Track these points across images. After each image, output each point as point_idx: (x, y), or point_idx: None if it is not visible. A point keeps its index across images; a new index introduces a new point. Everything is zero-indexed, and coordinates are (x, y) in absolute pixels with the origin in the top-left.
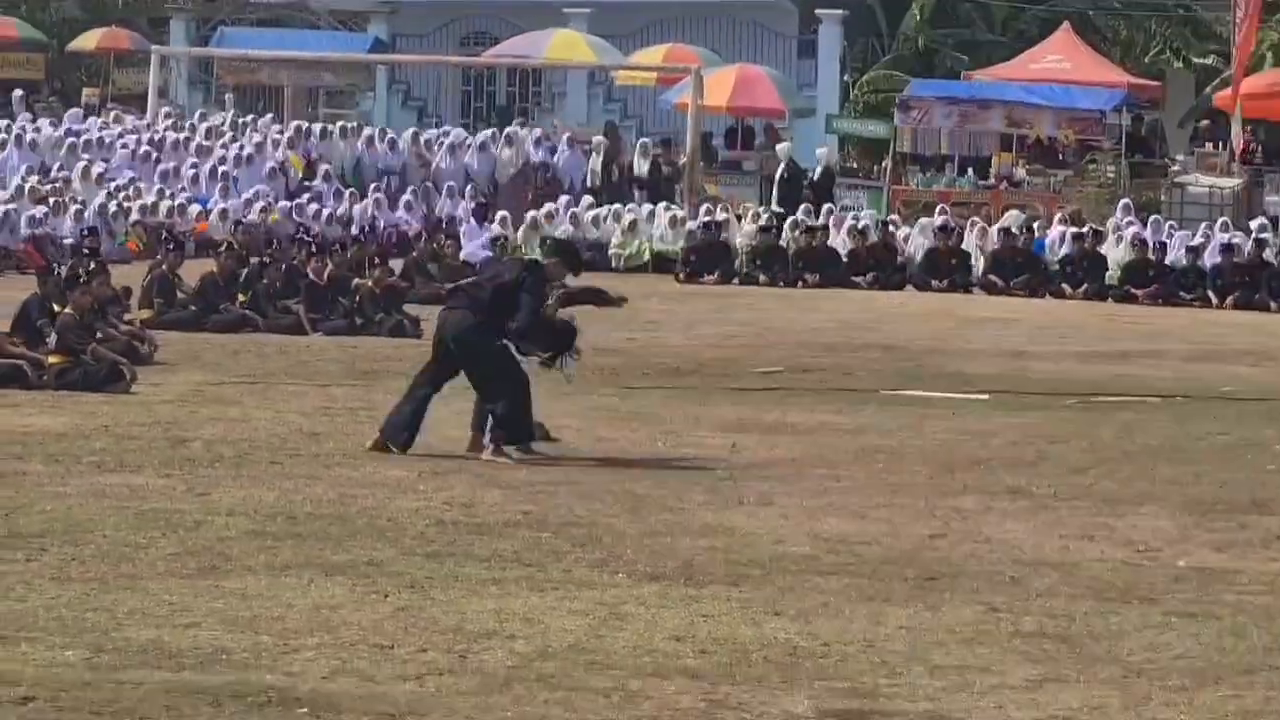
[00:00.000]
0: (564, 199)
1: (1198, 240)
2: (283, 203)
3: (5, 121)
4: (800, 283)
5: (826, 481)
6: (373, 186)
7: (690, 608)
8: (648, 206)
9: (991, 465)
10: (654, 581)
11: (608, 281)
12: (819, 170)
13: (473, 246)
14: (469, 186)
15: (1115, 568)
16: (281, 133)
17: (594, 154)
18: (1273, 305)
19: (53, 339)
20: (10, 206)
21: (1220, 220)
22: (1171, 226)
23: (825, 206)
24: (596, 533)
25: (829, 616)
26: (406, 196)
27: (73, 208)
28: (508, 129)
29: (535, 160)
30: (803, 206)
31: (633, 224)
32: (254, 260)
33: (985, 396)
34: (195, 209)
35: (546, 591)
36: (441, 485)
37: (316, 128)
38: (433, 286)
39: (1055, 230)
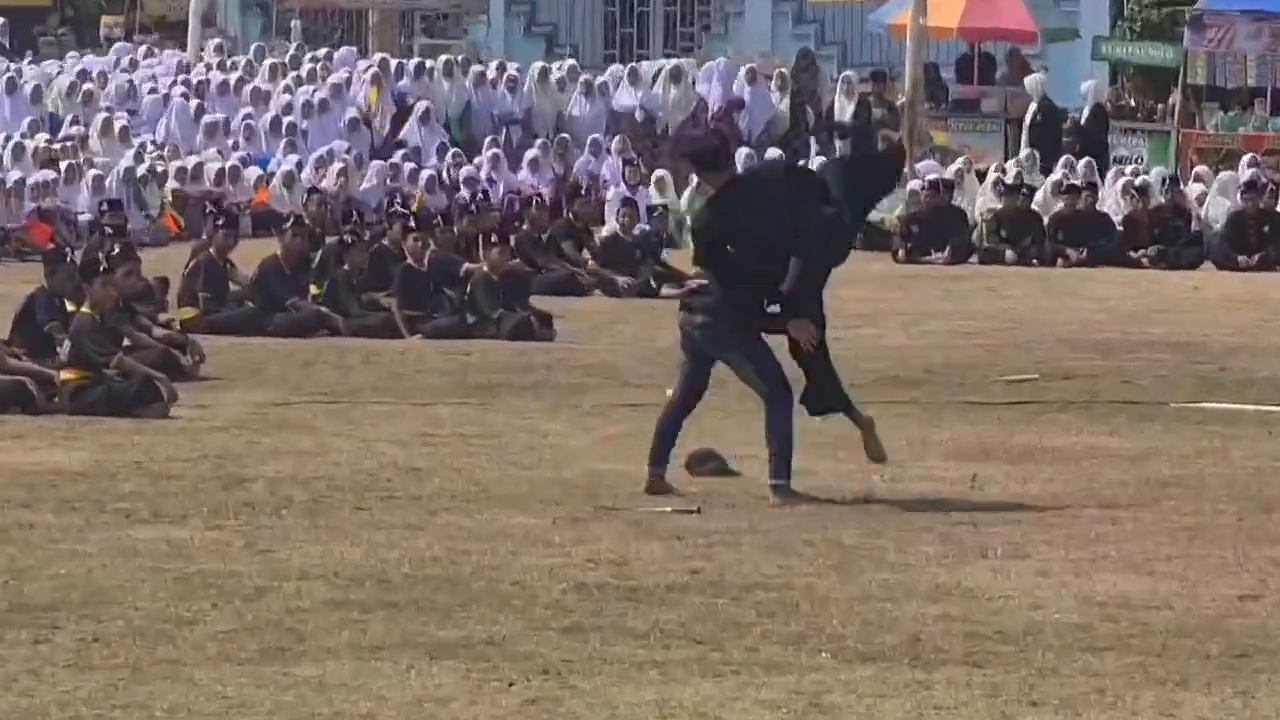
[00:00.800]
0: (743, 152)
1: None
2: (375, 162)
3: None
4: (1060, 260)
5: (1100, 526)
6: (488, 140)
7: (918, 696)
8: None
9: None
10: (869, 662)
11: None
12: (1085, 111)
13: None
14: (615, 139)
15: None
16: (367, 70)
17: (782, 92)
18: None
19: (65, 347)
20: (9, 174)
21: None
22: None
23: (1087, 160)
24: (791, 598)
25: (1104, 707)
26: (533, 152)
27: (90, 174)
28: (673, 61)
29: (711, 101)
30: (1063, 159)
31: None
32: (330, 240)
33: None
34: (253, 173)
35: (725, 677)
36: (583, 536)
37: (411, 64)
38: (568, 270)
39: None
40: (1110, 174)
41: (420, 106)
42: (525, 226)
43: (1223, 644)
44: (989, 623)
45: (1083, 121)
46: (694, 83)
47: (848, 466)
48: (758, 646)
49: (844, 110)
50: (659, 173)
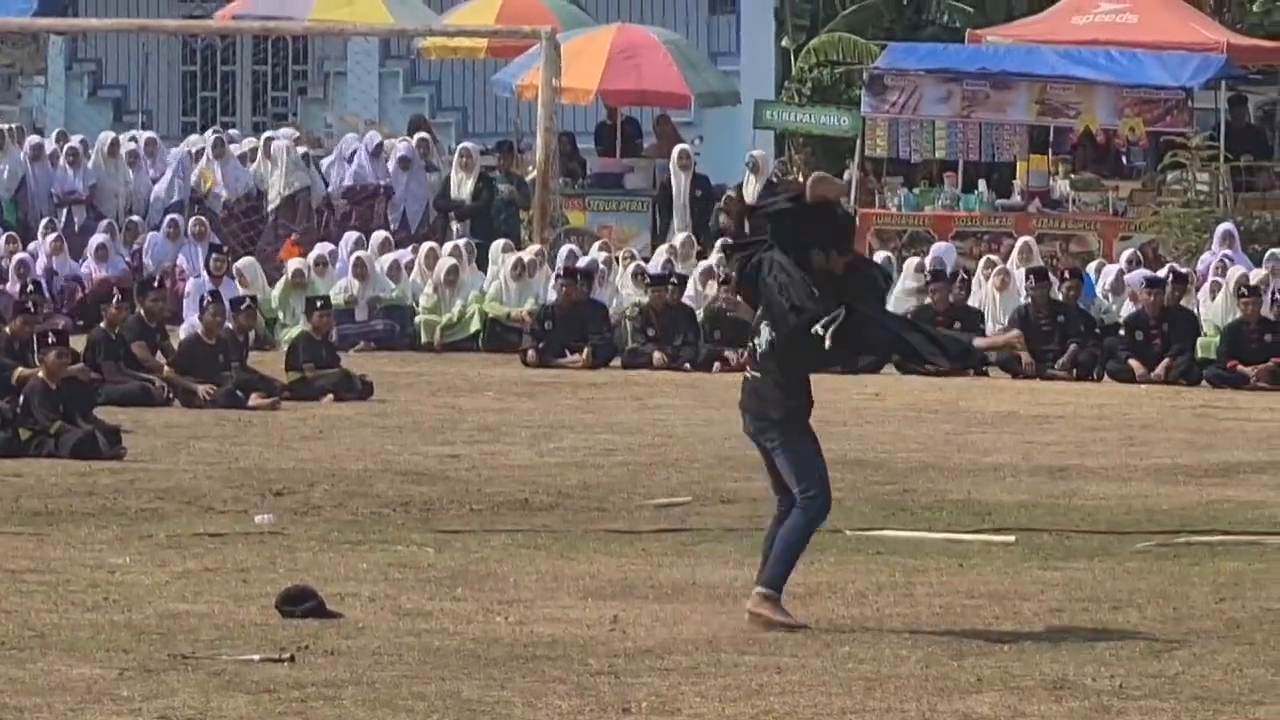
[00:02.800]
0: (349, 237)
1: None
2: None
3: None
4: (718, 363)
5: (762, 675)
6: (44, 222)
7: None
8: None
9: (1019, 645)
10: None
11: (417, 365)
12: (750, 186)
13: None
14: (193, 220)
15: None
16: None
17: (384, 163)
18: None
19: None
20: None
21: None
22: None
23: None
24: None
25: None
26: (99, 236)
27: None
28: (266, 134)
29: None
30: (719, 245)
31: (452, 274)
32: None
33: (1011, 539)
34: None
35: None
36: (156, 689)
37: None
38: (140, 375)
39: (1117, 274)
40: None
41: None
42: (103, 325)
43: None
44: None
45: (750, 199)
46: (307, 159)
47: (466, 605)
48: None
49: (462, 187)
50: (244, 260)
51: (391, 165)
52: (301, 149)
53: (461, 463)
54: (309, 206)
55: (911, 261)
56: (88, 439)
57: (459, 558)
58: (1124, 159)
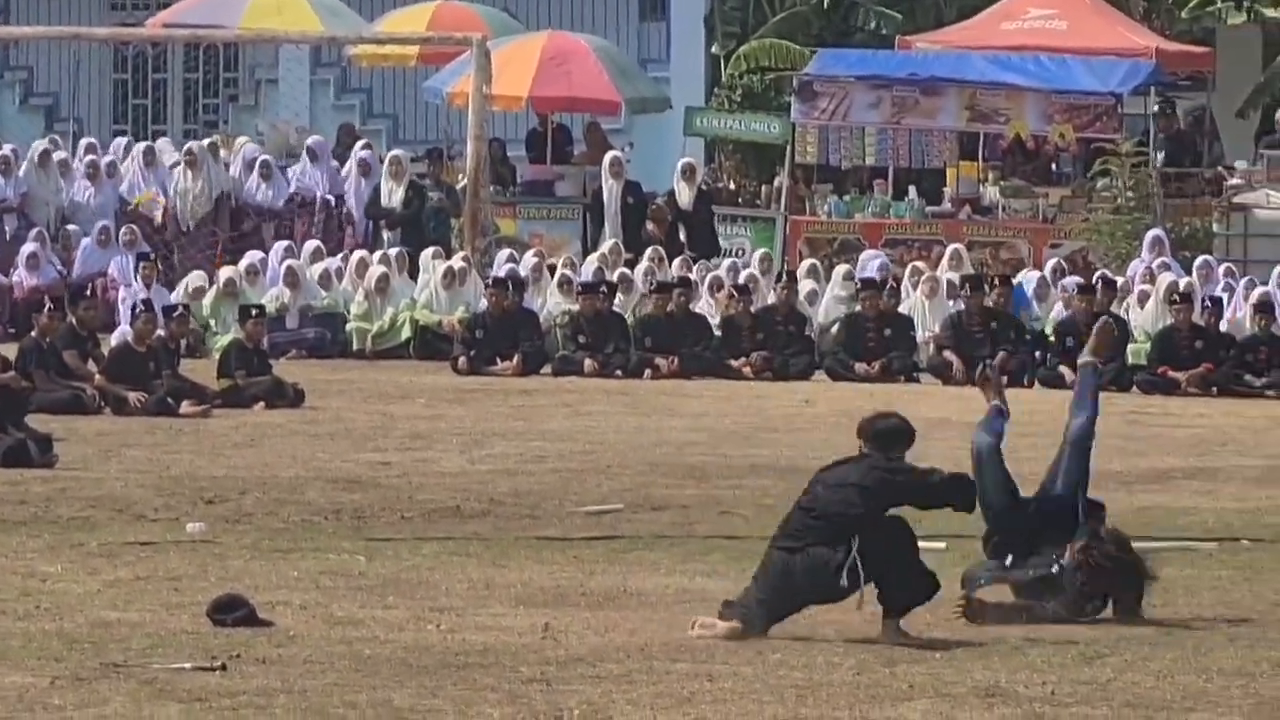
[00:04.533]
0: (280, 246)
1: (1272, 290)
2: None
3: None
4: (649, 370)
5: (694, 683)
6: None
7: None
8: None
9: (950, 652)
10: None
11: (349, 372)
12: (684, 193)
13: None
14: (124, 228)
15: None
16: None
17: (319, 172)
18: None
19: None
20: None
21: None
22: (1230, 273)
23: (683, 255)
24: None
25: None
26: (30, 245)
27: None
28: (189, 145)
29: (236, 186)
30: (649, 251)
31: (383, 282)
32: None
33: (942, 545)
34: None
35: None
36: (88, 698)
37: None
38: (71, 384)
39: (1039, 280)
40: (703, 269)
41: None
42: (34, 333)
43: None
44: None
45: (685, 207)
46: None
47: (398, 614)
48: None
49: (392, 195)
50: (195, 272)
51: (351, 171)
52: (264, 156)
53: (393, 470)
54: (237, 214)
55: (840, 269)
56: (19, 447)
57: (390, 565)
58: (1054, 165)
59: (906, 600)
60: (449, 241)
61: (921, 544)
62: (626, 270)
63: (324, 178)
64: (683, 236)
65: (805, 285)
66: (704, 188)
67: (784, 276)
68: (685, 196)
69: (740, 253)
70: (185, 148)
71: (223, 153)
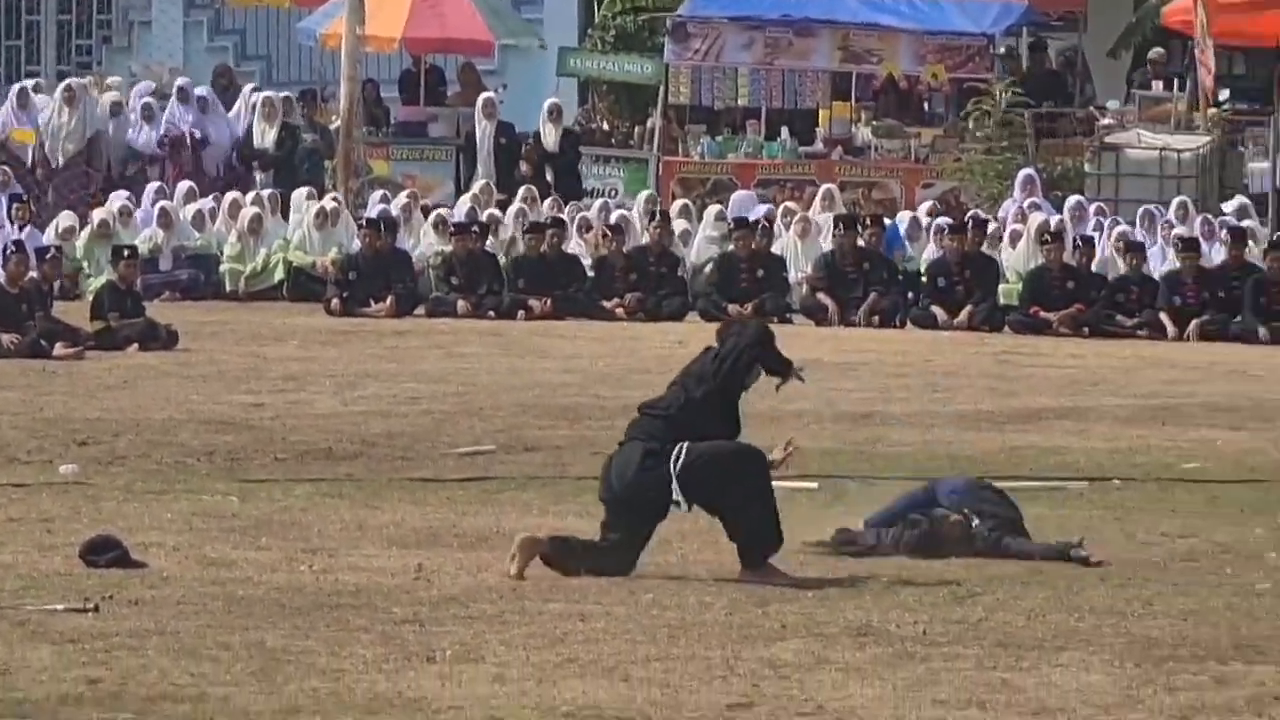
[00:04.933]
0: (151, 187)
1: (1142, 234)
2: None
3: None
4: (522, 311)
5: (566, 623)
6: None
7: None
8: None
9: (823, 592)
10: None
11: (222, 314)
12: (552, 134)
13: None
14: None
15: None
16: None
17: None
18: (1261, 332)
19: None
20: None
21: (1177, 202)
22: (1101, 213)
23: (554, 196)
24: (205, 711)
25: None
26: None
27: None
28: (68, 80)
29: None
30: (523, 192)
31: (255, 223)
32: None
33: (814, 485)
34: None
35: None
36: None
37: None
38: None
39: (912, 220)
40: (574, 209)
41: None
42: None
43: None
44: None
45: (552, 148)
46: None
47: (271, 555)
48: None
49: (264, 137)
50: (65, 214)
51: (190, 110)
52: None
53: (266, 412)
54: (110, 155)
55: (712, 209)
56: None
57: (263, 507)
58: (926, 106)
59: (753, 541)
60: (322, 183)
61: (792, 484)
62: (497, 212)
63: (194, 119)
64: (550, 178)
65: (678, 225)
66: (577, 129)
67: (656, 216)
68: (551, 138)
69: (613, 193)
70: (64, 83)
71: (95, 94)
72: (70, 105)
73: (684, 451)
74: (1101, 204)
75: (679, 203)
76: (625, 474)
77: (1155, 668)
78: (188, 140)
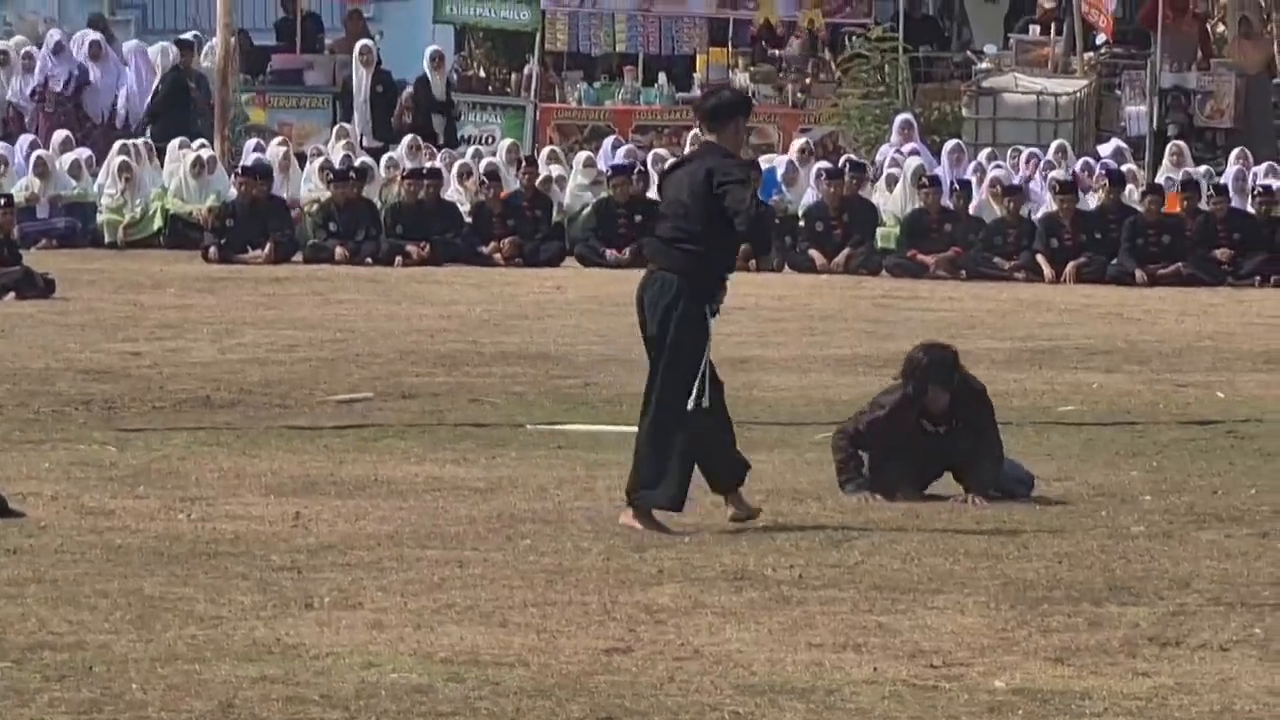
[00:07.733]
0: (24, 139)
1: (1019, 178)
2: None
3: None
4: (400, 258)
5: (444, 569)
6: None
7: None
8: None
9: (699, 537)
10: None
11: (99, 262)
12: (432, 81)
13: None
14: None
15: (895, 693)
16: None
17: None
18: (1137, 274)
19: None
20: None
21: (1055, 145)
22: (978, 156)
23: (429, 144)
24: (84, 659)
25: None
26: None
27: None
28: None
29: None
30: (407, 139)
31: (128, 172)
32: None
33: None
34: None
35: None
36: None
37: None
38: None
39: (788, 164)
40: (449, 156)
41: None
42: None
43: (585, 705)
44: (314, 684)
45: (431, 96)
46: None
47: (149, 503)
48: (44, 716)
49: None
50: None
51: (82, 56)
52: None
53: (143, 360)
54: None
55: (581, 155)
56: None
57: (141, 455)
58: (800, 51)
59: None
60: (194, 130)
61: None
62: (370, 159)
63: (78, 67)
64: (436, 126)
65: (552, 171)
66: (454, 76)
67: (522, 162)
68: (439, 85)
69: (489, 140)
70: None
71: None
72: None
73: None
74: (981, 149)
75: (547, 149)
76: None
77: (1030, 610)
78: (59, 90)
